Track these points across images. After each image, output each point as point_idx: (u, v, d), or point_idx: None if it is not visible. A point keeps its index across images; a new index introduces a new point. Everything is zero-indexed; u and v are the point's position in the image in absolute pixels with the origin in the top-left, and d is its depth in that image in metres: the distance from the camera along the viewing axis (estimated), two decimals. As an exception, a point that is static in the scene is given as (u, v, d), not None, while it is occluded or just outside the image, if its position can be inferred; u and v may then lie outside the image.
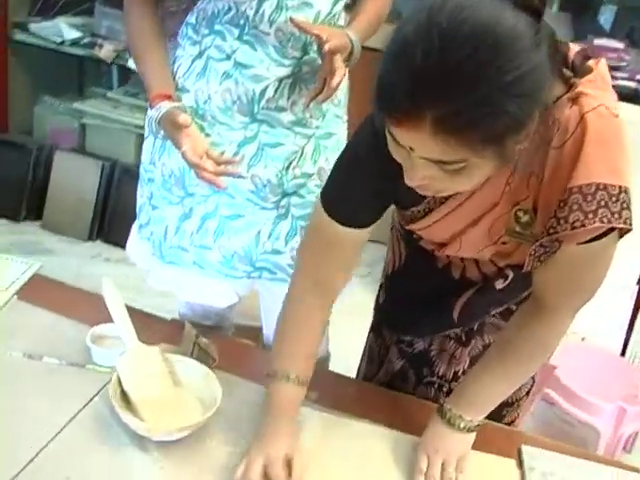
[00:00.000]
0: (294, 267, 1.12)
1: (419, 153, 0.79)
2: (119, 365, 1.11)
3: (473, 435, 1.09)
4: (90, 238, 3.13)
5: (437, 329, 1.34)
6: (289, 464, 1.02)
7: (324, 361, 1.55)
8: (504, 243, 1.04)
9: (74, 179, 3.14)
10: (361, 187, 0.99)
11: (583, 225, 0.86)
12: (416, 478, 1.07)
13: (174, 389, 1.14)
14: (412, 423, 1.19)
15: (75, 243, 3.12)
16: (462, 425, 1.06)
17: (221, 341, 1.34)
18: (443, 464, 1.07)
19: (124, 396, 1.09)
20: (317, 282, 1.08)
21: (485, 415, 1.09)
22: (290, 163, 1.25)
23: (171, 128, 1.17)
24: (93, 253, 3.05)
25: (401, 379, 1.42)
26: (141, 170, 1.39)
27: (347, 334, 1.77)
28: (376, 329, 1.48)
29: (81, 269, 2.89)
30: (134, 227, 1.46)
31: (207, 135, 1.23)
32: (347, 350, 1.72)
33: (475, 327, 1.34)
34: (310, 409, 1.20)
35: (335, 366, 1.59)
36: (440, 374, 1.37)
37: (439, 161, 0.79)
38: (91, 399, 1.14)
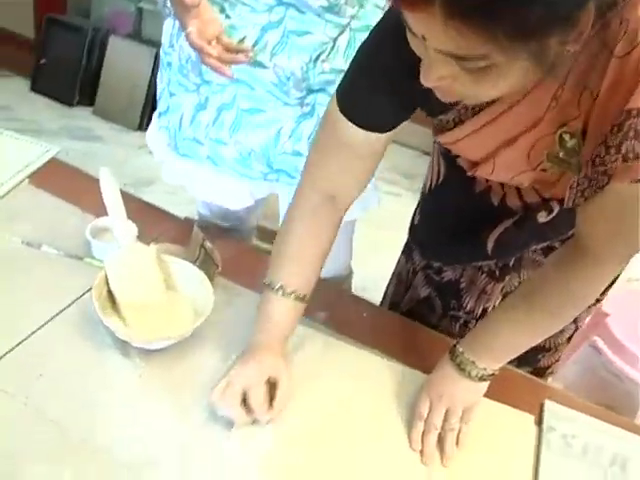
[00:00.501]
0: (302, 171, 0.98)
1: (433, 44, 0.63)
2: (107, 263, 1.02)
3: (485, 385, 0.96)
4: (140, 128, 3.06)
5: (468, 259, 1.21)
6: (272, 390, 0.93)
7: (344, 279, 1.43)
8: (544, 170, 0.88)
9: (127, 65, 3.04)
10: (379, 83, 0.84)
11: (637, 157, 0.69)
12: (414, 423, 0.96)
13: (167, 294, 1.05)
14: (426, 360, 1.08)
15: (125, 132, 3.06)
16: (473, 373, 0.94)
17: (229, 246, 1.24)
18: (447, 412, 0.95)
19: (110, 297, 1.01)
20: (326, 193, 0.95)
21: (501, 365, 0.96)
22: (318, 56, 1.10)
23: (179, 7, 1.03)
24: (141, 143, 2.97)
25: (426, 307, 1.30)
26: (161, 53, 1.26)
27: (380, 252, 1.66)
28: (407, 251, 1.36)
29: (127, 159, 2.83)
30: (154, 115, 1.35)
31: (227, 17, 1.08)
32: (377, 270, 1.61)
33: (511, 262, 1.20)
34: (314, 330, 1.10)
35: (360, 286, 1.48)
36: (468, 309, 1.25)
37: (456, 56, 0.63)
38: (81, 295, 1.07)
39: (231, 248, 1.25)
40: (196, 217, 1.51)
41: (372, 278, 1.74)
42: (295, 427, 0.94)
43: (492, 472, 0.93)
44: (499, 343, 0.94)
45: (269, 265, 1.00)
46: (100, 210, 1.15)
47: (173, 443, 0.88)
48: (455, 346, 0.97)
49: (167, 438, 0.89)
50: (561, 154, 0.82)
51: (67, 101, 3.19)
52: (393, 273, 1.43)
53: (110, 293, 1.01)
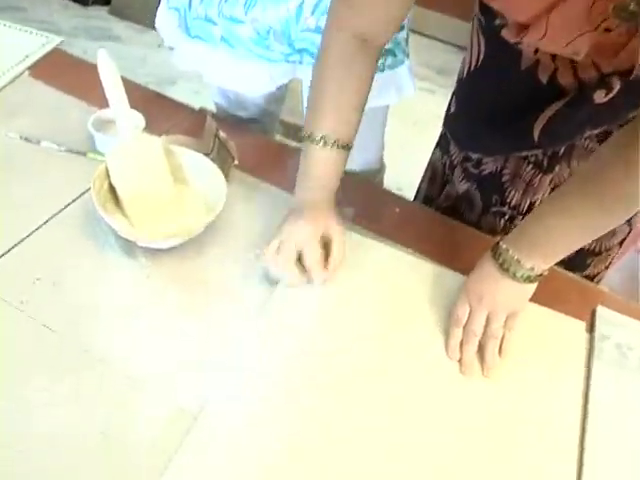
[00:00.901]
0: (326, 20, 0.87)
1: None
2: (109, 155, 0.91)
3: (532, 287, 0.85)
4: (158, 26, 2.89)
5: (512, 148, 1.08)
6: (326, 247, 0.88)
7: (376, 173, 1.31)
8: (608, 30, 0.73)
9: (143, -42, 2.85)
10: None
11: None
12: (452, 329, 0.86)
13: (175, 188, 0.94)
14: (465, 260, 0.97)
15: (142, 31, 2.90)
16: (519, 273, 0.82)
17: (247, 138, 1.12)
18: (488, 317, 0.84)
19: (113, 192, 0.91)
20: (356, 32, 0.84)
21: (549, 265, 0.84)
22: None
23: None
24: (159, 41, 2.81)
25: (465, 204, 1.18)
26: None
27: (415, 151, 1.53)
28: (442, 144, 1.23)
29: (146, 57, 2.69)
30: (164, -6, 1.21)
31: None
32: (412, 169, 1.48)
33: (561, 151, 1.06)
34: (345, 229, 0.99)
35: (394, 187, 1.36)
36: (512, 204, 1.13)
37: None
38: (83, 193, 0.97)
39: (250, 140, 1.14)
40: (213, 109, 1.39)
41: (407, 177, 1.61)
42: (324, 330, 0.85)
43: (538, 384, 0.83)
44: (549, 239, 0.82)
45: (306, 118, 0.91)
46: (107, 103, 1.04)
47: (186, 352, 0.80)
48: (498, 243, 0.85)
49: (178, 346, 0.80)
50: (632, 6, 0.68)
51: (82, 1, 3.03)
52: (426, 168, 1.30)
53: (112, 188, 0.91)
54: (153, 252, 0.90)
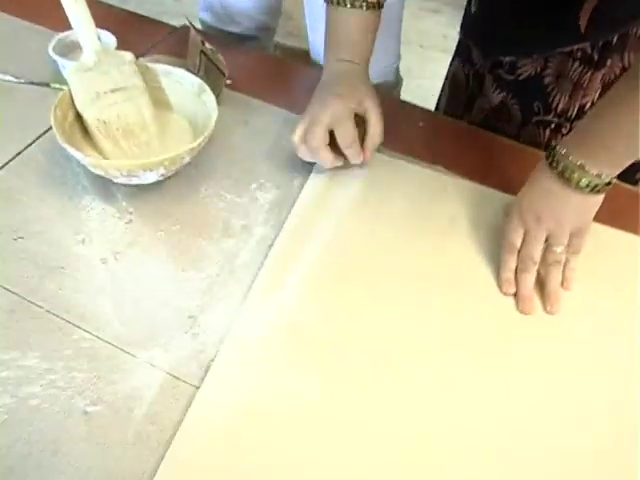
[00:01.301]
0: None
1: None
2: (70, 76, 0.75)
3: (598, 200, 0.69)
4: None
5: (554, 44, 0.90)
6: (360, 126, 0.77)
7: (393, 87, 1.13)
8: None
9: None
10: None
11: None
12: (504, 258, 0.70)
13: (157, 113, 0.78)
14: (505, 176, 0.81)
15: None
16: (584, 181, 0.65)
17: (240, 54, 0.96)
18: (548, 240, 0.69)
19: (81, 123, 0.75)
20: None
21: (619, 170, 0.67)
22: None
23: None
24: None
25: (501, 117, 1.01)
26: None
27: (428, 65, 1.35)
28: (463, 53, 1.05)
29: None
30: None
31: None
32: (430, 84, 1.31)
33: (614, 40, 0.88)
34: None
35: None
36: (559, 110, 0.95)
37: None
38: (49, 129, 0.81)
39: (243, 56, 0.97)
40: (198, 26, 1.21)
41: (424, 91, 1.43)
42: (359, 259, 0.70)
43: (592, 307, 0.68)
44: (617, 138, 0.65)
45: None
46: (70, 25, 0.87)
47: (179, 310, 0.65)
48: (555, 148, 0.69)
49: (169, 304, 0.65)
50: None
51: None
52: (445, 84, 1.13)
53: (79, 117, 0.74)
54: (134, 192, 0.74)
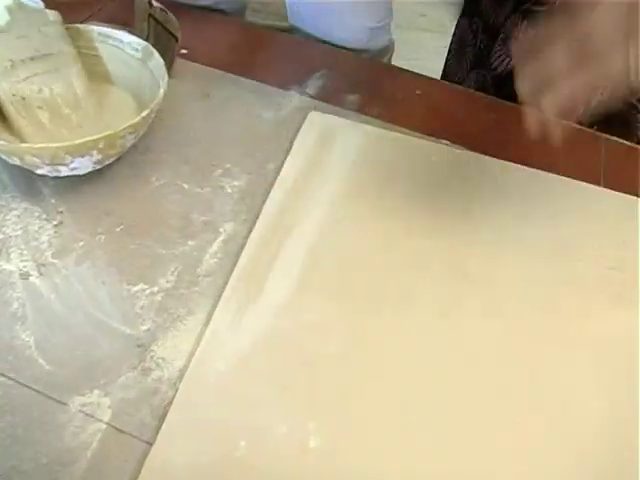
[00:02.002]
0: None
1: None
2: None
3: None
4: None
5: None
6: None
7: (384, 53, 0.97)
8: None
9: None
10: None
11: None
12: (521, 68, 0.48)
13: (89, 85, 0.62)
14: (527, 149, 0.67)
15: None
16: None
17: (197, 16, 0.80)
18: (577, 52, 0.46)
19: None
20: None
21: None
22: None
23: None
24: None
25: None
26: None
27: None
28: (470, 12, 0.91)
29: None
30: None
31: None
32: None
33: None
34: (352, 122, 0.68)
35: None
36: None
37: None
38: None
39: (202, 21, 0.82)
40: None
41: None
42: (356, 260, 0.55)
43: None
44: None
45: None
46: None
47: (124, 342, 0.49)
48: None
49: (113, 336, 0.49)
50: None
51: None
52: (450, 45, 0.98)
53: (-9, 97, 0.58)
54: (65, 186, 0.58)
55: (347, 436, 0.45)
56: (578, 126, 0.75)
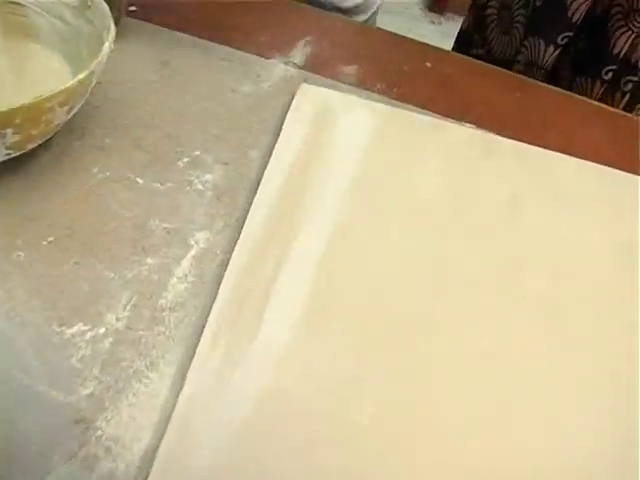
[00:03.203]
0: None
1: None
2: None
3: None
4: None
5: None
6: None
7: (369, 15, 0.82)
8: None
9: None
10: None
11: None
12: None
13: (6, 43, 0.45)
14: (564, 133, 0.54)
15: None
16: None
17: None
18: None
19: None
20: None
21: None
22: None
23: None
24: None
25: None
26: None
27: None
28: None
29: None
30: None
31: None
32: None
33: None
34: (353, 97, 0.53)
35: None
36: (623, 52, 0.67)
37: None
38: None
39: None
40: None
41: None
42: (373, 278, 0.39)
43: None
44: None
45: None
46: None
47: (57, 416, 0.33)
48: None
49: (41, 408, 0.33)
50: None
51: None
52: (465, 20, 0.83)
53: None
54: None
55: None
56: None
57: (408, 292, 0.40)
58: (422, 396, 0.35)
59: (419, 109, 0.55)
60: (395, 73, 0.58)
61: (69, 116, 0.41)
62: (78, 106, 0.42)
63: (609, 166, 0.51)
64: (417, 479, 0.32)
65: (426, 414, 0.35)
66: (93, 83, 0.41)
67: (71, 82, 0.37)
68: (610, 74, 0.66)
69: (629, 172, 0.51)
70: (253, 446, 0.32)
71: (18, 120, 0.36)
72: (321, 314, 0.38)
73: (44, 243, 0.39)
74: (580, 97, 0.61)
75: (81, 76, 0.38)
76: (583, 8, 0.64)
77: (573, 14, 0.65)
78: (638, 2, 0.62)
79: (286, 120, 0.49)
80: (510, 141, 0.51)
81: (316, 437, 0.33)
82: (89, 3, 0.45)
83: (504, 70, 0.63)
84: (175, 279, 0.39)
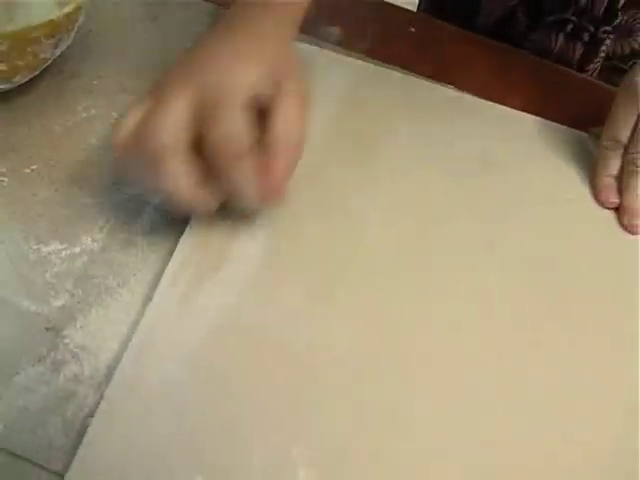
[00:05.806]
0: None
1: None
2: None
3: None
4: None
5: None
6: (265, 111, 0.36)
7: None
8: None
9: None
10: None
11: None
12: (604, 154, 0.49)
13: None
14: (539, 97, 0.56)
15: None
16: None
17: None
18: None
19: None
20: None
21: None
22: None
23: None
24: None
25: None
26: None
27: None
28: None
29: None
30: None
31: None
32: None
33: None
34: (333, 55, 0.54)
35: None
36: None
37: None
38: None
39: None
40: None
41: None
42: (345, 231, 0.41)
43: None
44: None
45: None
46: None
47: (28, 322, 0.35)
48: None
49: (14, 313, 0.35)
50: None
51: None
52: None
53: None
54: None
55: (346, 467, 0.31)
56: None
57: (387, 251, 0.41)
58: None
59: (400, 69, 0.56)
60: (379, 36, 0.60)
61: (56, 51, 0.42)
62: (66, 43, 0.43)
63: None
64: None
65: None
66: (80, 20, 0.42)
67: (57, 14, 0.39)
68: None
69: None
70: (220, 358, 0.34)
71: (4, 48, 0.38)
72: (291, 244, 0.39)
73: (27, 171, 0.41)
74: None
75: (67, 9, 0.39)
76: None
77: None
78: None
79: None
80: (484, 101, 0.53)
81: (276, 355, 0.34)
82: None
83: (484, 37, 0.65)
84: (150, 206, 0.40)
